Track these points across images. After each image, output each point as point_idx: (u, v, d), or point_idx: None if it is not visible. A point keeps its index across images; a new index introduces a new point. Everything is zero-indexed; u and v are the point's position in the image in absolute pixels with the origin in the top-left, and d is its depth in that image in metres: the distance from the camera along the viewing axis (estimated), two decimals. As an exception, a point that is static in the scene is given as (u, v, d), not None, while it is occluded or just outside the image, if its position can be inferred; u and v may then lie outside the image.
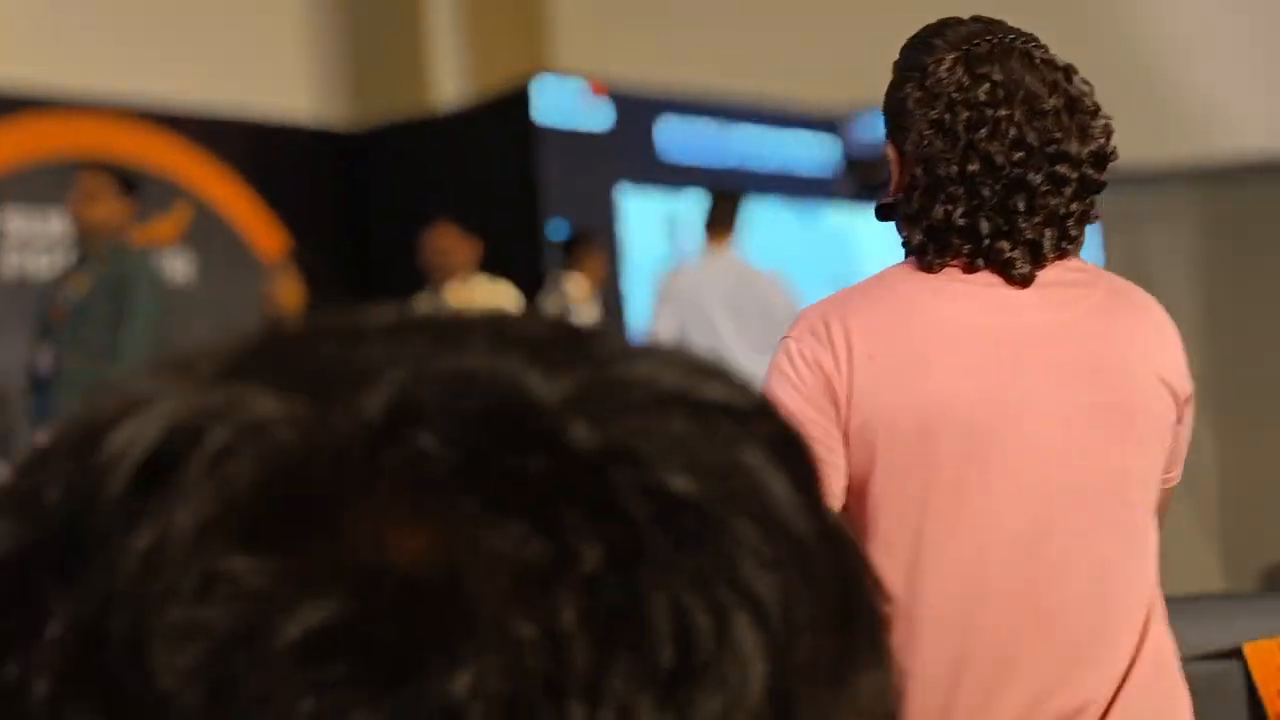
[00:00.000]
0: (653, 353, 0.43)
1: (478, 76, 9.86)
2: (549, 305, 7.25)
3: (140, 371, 0.41)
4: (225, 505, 0.37)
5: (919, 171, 2.10)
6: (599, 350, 0.42)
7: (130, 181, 5.68)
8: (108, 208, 5.57)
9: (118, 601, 0.36)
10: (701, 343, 6.77)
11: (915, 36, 2.19)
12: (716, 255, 7.48)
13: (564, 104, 8.71)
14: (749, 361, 6.83)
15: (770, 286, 7.44)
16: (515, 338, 0.42)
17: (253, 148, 8.76)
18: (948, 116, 2.08)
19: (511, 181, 8.66)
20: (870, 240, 10.14)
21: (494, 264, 7.26)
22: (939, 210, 2.08)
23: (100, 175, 5.60)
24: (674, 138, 9.23)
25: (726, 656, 0.37)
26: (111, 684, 0.36)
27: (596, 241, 7.62)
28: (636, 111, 9.04)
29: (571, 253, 7.47)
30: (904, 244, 2.15)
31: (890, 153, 2.17)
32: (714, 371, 0.43)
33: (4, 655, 0.37)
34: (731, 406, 0.42)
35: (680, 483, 0.39)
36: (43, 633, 0.37)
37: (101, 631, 0.36)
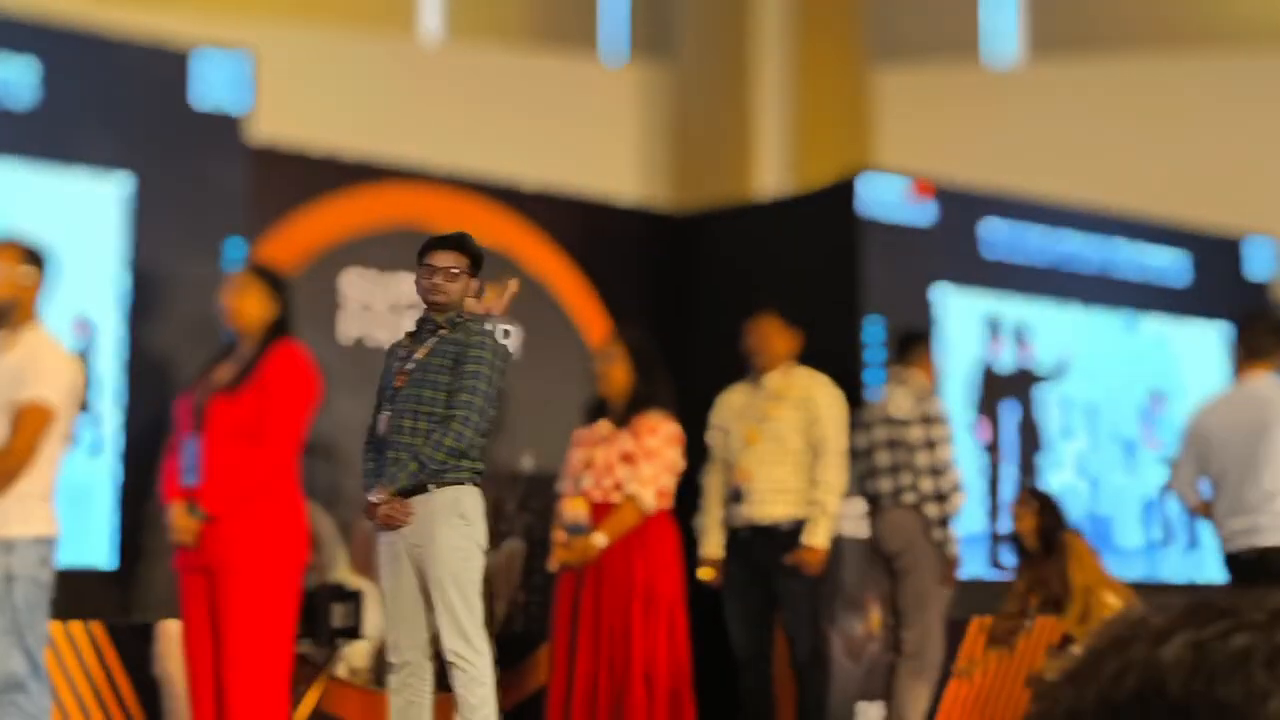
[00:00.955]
0: None
1: (801, 170, 9.99)
2: (902, 397, 7.22)
3: (1188, 622, 0.45)
4: None
5: None
6: None
7: (478, 261, 5.90)
8: (464, 285, 5.81)
9: None
10: (1216, 476, 6.70)
11: None
12: (1239, 384, 6.89)
13: (888, 199, 8.75)
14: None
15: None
16: None
17: (581, 225, 8.99)
18: None
19: (831, 273, 8.71)
20: (1186, 353, 9.95)
21: (809, 353, 7.32)
22: None
23: (461, 254, 5.82)
24: (996, 238, 9.20)
25: None
26: None
27: (932, 339, 7.60)
28: (960, 210, 9.04)
29: (909, 349, 7.45)
30: None
31: None
32: None
33: None
34: None
35: None
36: None
37: None
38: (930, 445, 7.07)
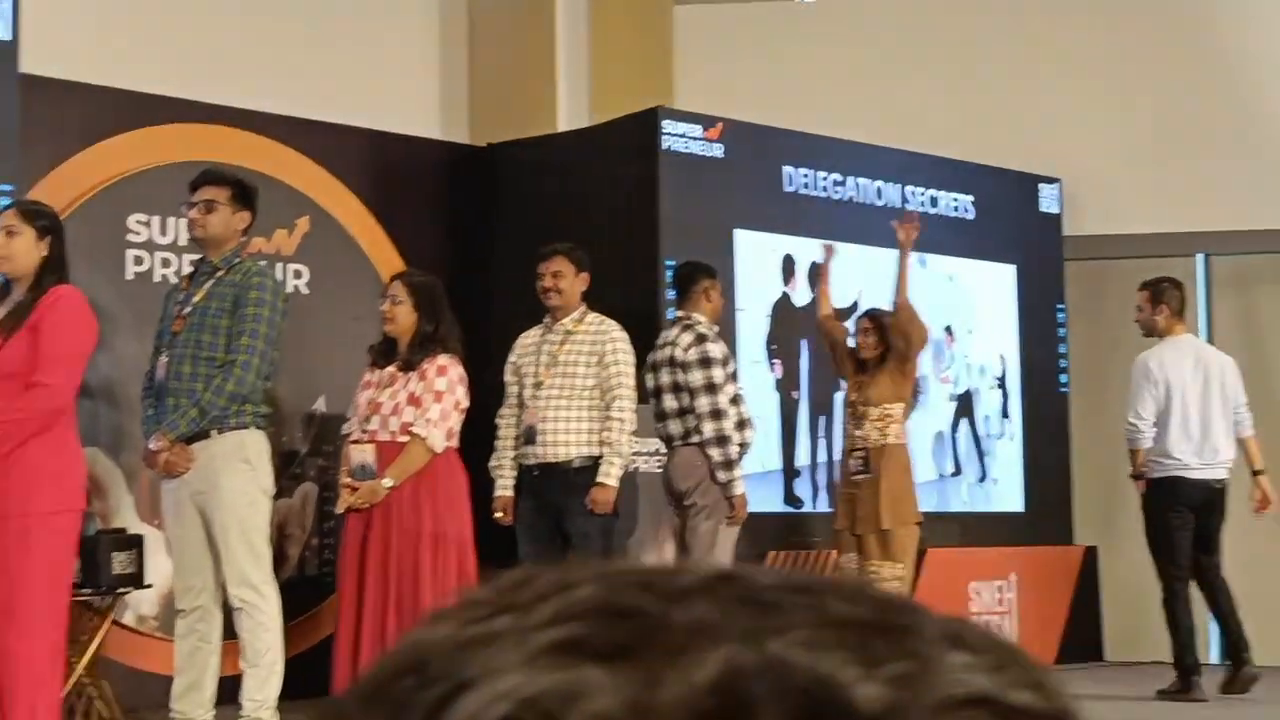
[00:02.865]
0: (967, 641, 0.45)
1: (599, 105, 9.94)
2: (686, 340, 7.25)
3: (470, 606, 0.46)
4: None
5: None
6: (916, 642, 0.44)
7: (248, 192, 5.78)
8: (225, 218, 5.68)
9: None
10: (1179, 423, 8.19)
11: None
12: (1178, 339, 8.42)
13: (685, 139, 8.77)
14: (1226, 441, 8.21)
15: (1226, 369, 8.39)
16: (837, 620, 0.44)
17: (372, 158, 8.88)
18: None
19: (632, 207, 8.72)
20: (976, 290, 10.12)
21: (608, 289, 7.31)
22: None
23: (218, 186, 5.70)
24: (791, 178, 9.27)
25: None
26: None
27: (716, 275, 7.62)
28: (756, 150, 9.08)
29: (692, 286, 7.47)
30: None
31: None
32: (1025, 676, 0.45)
33: None
34: (1034, 713, 0.44)
35: None
36: None
37: None
38: (710, 388, 7.13)
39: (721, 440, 7.09)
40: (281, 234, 8.26)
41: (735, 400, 7.26)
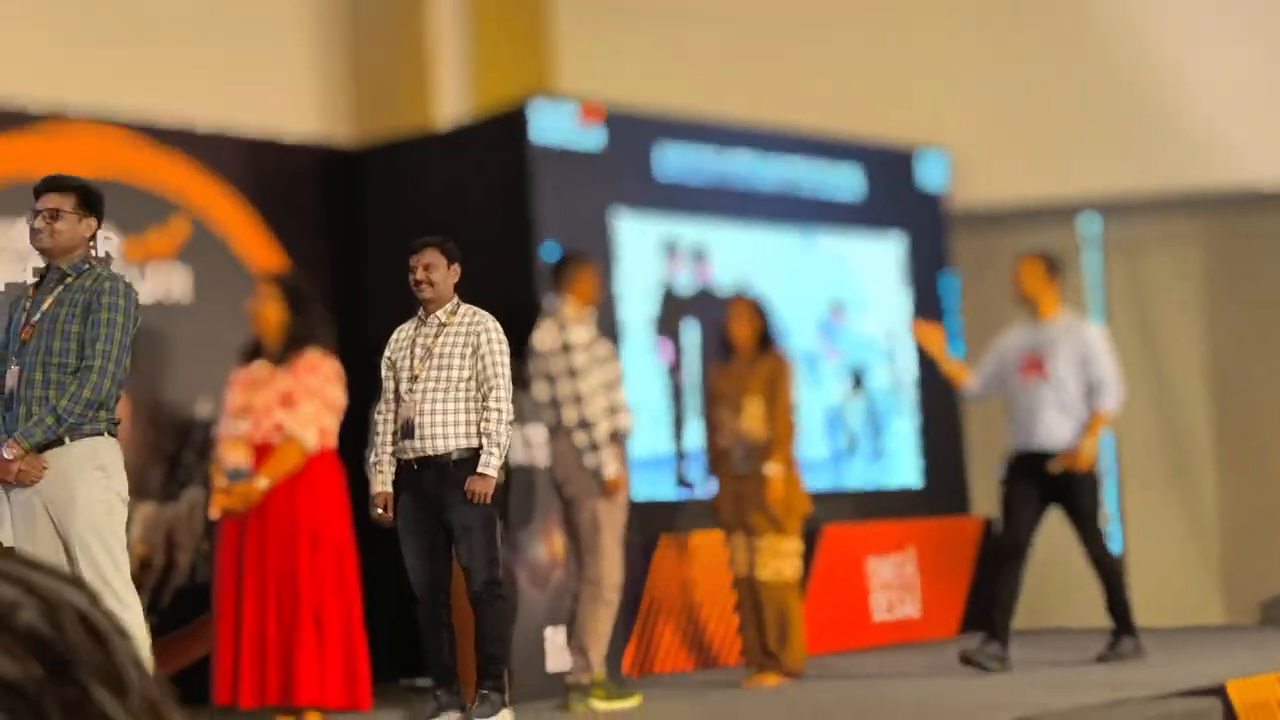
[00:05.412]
0: None
1: (480, 98, 9.91)
2: (547, 328, 7.25)
3: None
4: None
5: None
6: None
7: (93, 198, 5.70)
8: (71, 225, 5.60)
9: None
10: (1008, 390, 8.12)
11: None
12: (1039, 317, 8.21)
13: (560, 125, 8.74)
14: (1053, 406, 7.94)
15: (1077, 337, 8.09)
16: None
17: (251, 163, 8.81)
18: None
19: (506, 201, 8.68)
20: (864, 265, 10.15)
21: (487, 283, 7.27)
22: None
23: (64, 192, 5.62)
24: (670, 161, 9.25)
25: None
26: None
27: (589, 262, 7.60)
28: (633, 134, 9.06)
29: (563, 273, 7.46)
30: None
31: None
32: None
33: None
34: None
35: None
36: None
37: None
38: (571, 373, 7.15)
39: (585, 425, 7.12)
40: (156, 236, 8.20)
41: (611, 385, 7.26)
